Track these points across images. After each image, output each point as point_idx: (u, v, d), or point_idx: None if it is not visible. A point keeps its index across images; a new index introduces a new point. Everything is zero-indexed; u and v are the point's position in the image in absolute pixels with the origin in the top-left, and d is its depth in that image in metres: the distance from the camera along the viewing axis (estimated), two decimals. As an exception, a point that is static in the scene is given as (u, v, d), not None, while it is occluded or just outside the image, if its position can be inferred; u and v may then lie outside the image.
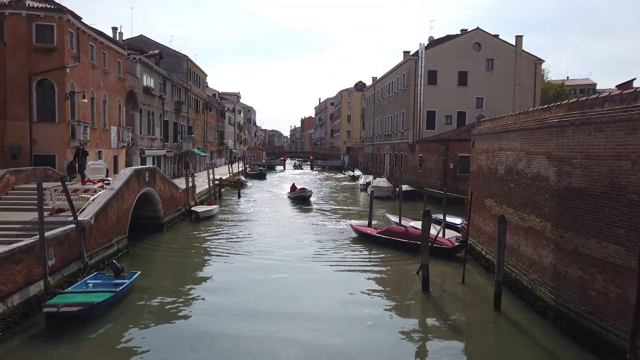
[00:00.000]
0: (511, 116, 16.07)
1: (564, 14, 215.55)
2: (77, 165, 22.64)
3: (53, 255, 13.07)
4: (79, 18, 24.53)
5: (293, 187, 40.57)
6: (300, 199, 37.36)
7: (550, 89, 61.48)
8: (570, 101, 12.01)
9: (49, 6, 23.39)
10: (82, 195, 17.51)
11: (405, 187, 37.83)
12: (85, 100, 24.81)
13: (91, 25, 26.64)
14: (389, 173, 52.85)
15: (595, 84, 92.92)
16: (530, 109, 14.63)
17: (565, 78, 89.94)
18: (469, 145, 21.65)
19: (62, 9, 23.20)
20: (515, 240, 14.50)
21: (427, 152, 40.67)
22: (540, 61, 46.73)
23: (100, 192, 17.54)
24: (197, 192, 32.49)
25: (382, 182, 43.85)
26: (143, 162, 35.23)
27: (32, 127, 22.96)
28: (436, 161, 38.17)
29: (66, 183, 16.13)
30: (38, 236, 12.14)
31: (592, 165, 10.52)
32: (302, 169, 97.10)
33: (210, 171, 37.25)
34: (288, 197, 39.60)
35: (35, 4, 23.19)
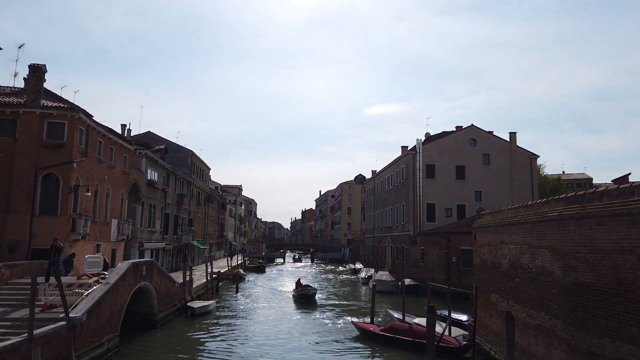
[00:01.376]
0: (511, 209, 16.13)
1: (555, 112, 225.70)
2: (49, 261, 19.38)
3: (40, 356, 12.39)
4: (90, 116, 25.58)
5: (298, 284, 37.46)
6: (303, 297, 34.64)
7: (547, 183, 62.55)
8: (568, 195, 12.12)
9: (62, 105, 24.40)
10: (76, 291, 17.08)
11: (407, 281, 36.91)
12: (89, 194, 25.08)
13: (101, 123, 27.76)
14: (391, 266, 51.97)
15: (591, 178, 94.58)
16: (530, 203, 14.72)
17: (561, 172, 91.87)
18: (471, 238, 21.51)
19: (74, 108, 24.19)
20: (525, 339, 13.84)
21: (429, 244, 40.33)
22: (535, 156, 48.03)
23: (95, 287, 17.12)
24: (194, 285, 31.75)
25: (384, 275, 42.87)
26: (141, 255, 34.77)
27: (33, 220, 22.91)
28: (438, 254, 37.69)
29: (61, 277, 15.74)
30: (26, 334, 11.62)
31: (597, 260, 10.35)
32: (301, 261, 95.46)
33: (209, 264, 36.66)
34: (292, 295, 36.90)
35: (50, 103, 24.21)
